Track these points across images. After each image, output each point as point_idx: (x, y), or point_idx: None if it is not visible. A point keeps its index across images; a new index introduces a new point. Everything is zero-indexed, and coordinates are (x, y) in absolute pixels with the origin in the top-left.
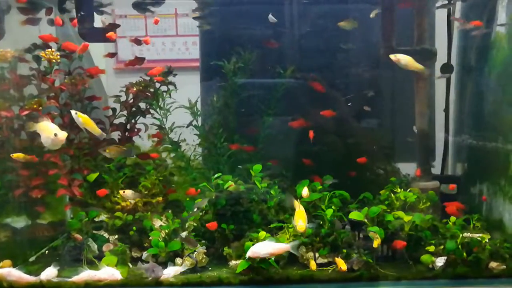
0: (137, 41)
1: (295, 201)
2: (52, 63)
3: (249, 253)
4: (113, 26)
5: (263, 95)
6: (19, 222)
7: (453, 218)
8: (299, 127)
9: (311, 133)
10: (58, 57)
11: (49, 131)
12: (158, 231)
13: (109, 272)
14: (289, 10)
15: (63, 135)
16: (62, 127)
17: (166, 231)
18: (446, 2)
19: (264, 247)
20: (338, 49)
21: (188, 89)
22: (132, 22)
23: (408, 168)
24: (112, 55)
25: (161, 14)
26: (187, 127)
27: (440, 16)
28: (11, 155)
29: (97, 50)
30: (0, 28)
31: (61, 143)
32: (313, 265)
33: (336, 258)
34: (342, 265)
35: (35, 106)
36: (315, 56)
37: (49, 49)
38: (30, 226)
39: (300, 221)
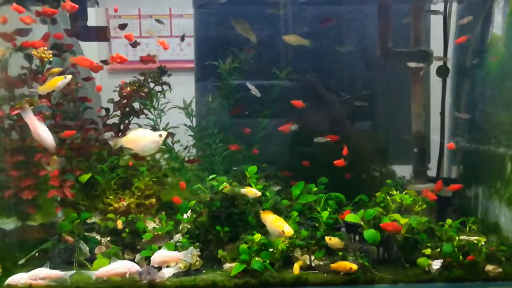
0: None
1: (262, 212)
2: (44, 62)
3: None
4: (122, 26)
5: (258, 96)
6: (9, 223)
7: (449, 221)
8: (288, 131)
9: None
10: (50, 55)
11: (149, 138)
12: (151, 233)
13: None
14: (284, 11)
15: (164, 134)
16: (54, 127)
17: (160, 233)
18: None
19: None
20: (333, 52)
21: (182, 89)
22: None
23: (403, 171)
24: (105, 62)
25: (155, 14)
26: (185, 148)
27: (435, 18)
28: None
29: (90, 49)
30: None
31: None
32: (296, 269)
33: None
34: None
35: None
36: (310, 58)
37: (41, 48)
38: (20, 227)
39: (286, 225)
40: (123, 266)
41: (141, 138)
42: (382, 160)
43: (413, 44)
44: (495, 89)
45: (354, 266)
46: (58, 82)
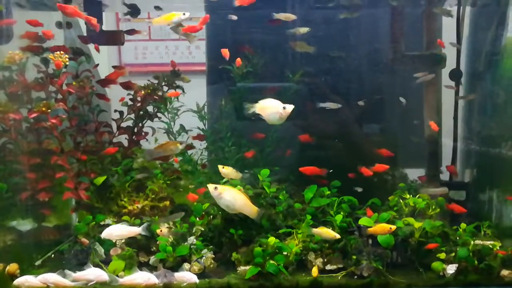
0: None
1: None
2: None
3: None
4: (133, 31)
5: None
6: (25, 225)
7: (463, 225)
8: (306, 141)
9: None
10: (67, 59)
11: (274, 108)
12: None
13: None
14: (295, 14)
15: (290, 107)
16: (69, 130)
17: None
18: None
19: (117, 230)
20: (345, 55)
21: (192, 93)
22: (136, 26)
23: (416, 174)
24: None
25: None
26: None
27: (447, 21)
28: None
29: (99, 54)
30: (8, 31)
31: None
32: (314, 272)
33: None
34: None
35: (43, 109)
36: (322, 61)
37: (58, 52)
38: (36, 229)
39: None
40: (141, 277)
41: (268, 107)
42: (394, 164)
43: (425, 48)
44: (508, 92)
45: (394, 226)
46: (174, 17)
